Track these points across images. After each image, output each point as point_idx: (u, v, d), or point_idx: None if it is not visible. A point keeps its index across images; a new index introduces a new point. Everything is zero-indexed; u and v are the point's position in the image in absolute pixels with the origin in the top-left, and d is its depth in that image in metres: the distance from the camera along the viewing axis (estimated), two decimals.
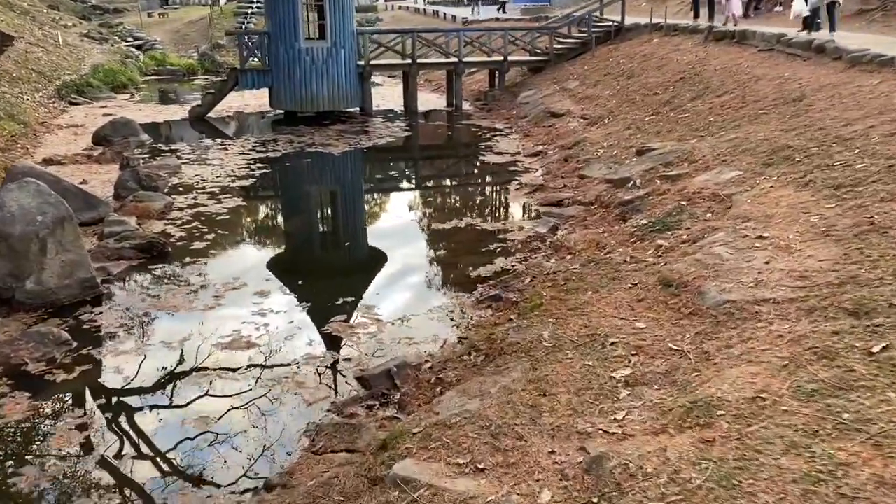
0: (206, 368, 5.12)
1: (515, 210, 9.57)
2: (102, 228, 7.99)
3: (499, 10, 34.15)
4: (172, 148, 13.65)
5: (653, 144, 9.71)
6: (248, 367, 5.13)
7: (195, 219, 9.03)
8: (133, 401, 4.82)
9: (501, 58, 18.61)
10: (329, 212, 10.28)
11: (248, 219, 9.25)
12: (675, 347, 4.07)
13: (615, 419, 3.46)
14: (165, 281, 6.91)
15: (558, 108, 14.78)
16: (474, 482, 3.18)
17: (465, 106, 18.94)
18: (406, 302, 6.42)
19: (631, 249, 6.32)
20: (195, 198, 9.96)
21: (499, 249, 7.83)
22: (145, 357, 5.35)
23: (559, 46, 19.11)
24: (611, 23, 18.82)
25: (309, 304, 6.32)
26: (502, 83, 19.03)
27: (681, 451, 2.87)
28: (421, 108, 18.58)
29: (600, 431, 3.37)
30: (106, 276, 6.95)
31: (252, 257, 7.73)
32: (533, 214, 9.22)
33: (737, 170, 7.37)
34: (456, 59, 18.28)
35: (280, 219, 9.44)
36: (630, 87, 13.78)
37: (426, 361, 4.98)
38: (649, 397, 3.58)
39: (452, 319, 5.96)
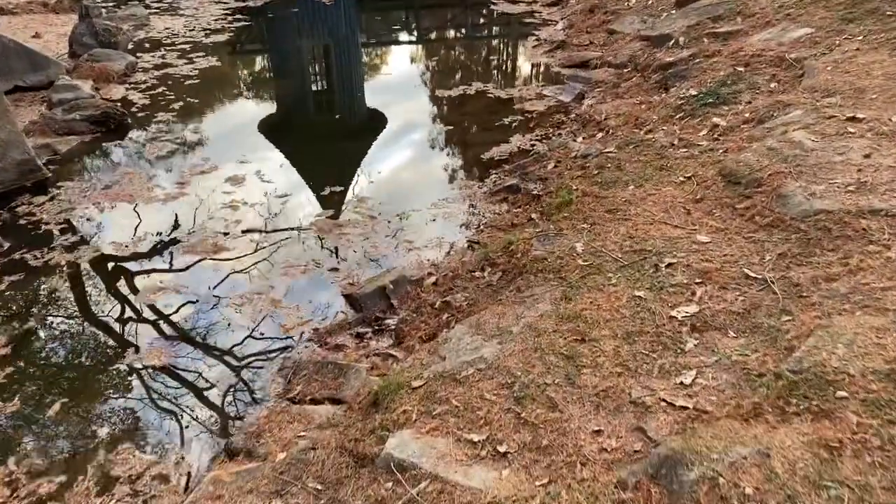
0: (160, 287, 4.22)
1: (533, 72, 8.27)
2: (51, 95, 6.81)
3: None
4: None
5: None
6: (212, 283, 4.22)
7: (162, 82, 7.79)
8: (63, 323, 3.96)
9: None
10: (315, 75, 8.95)
11: (223, 83, 7.99)
12: (752, 275, 3.13)
13: (682, 384, 2.58)
14: (122, 163, 5.86)
15: None
16: (493, 473, 2.37)
17: None
18: (405, 192, 5.41)
19: (678, 128, 5.20)
20: (163, 56, 8.63)
21: (515, 123, 6.68)
22: (87, 271, 4.43)
23: None
24: None
25: (289, 197, 5.32)
26: None
27: (792, 460, 2.01)
28: None
29: (663, 403, 2.50)
30: (52, 154, 5.90)
31: (225, 131, 6.60)
32: (554, 78, 7.94)
33: (806, 26, 6.04)
34: None
35: (259, 84, 8.14)
36: None
37: (429, 275, 4.07)
38: (726, 351, 2.69)
39: (460, 216, 4.98)
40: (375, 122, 7.35)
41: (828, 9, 6.23)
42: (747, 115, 4.95)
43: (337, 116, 8.09)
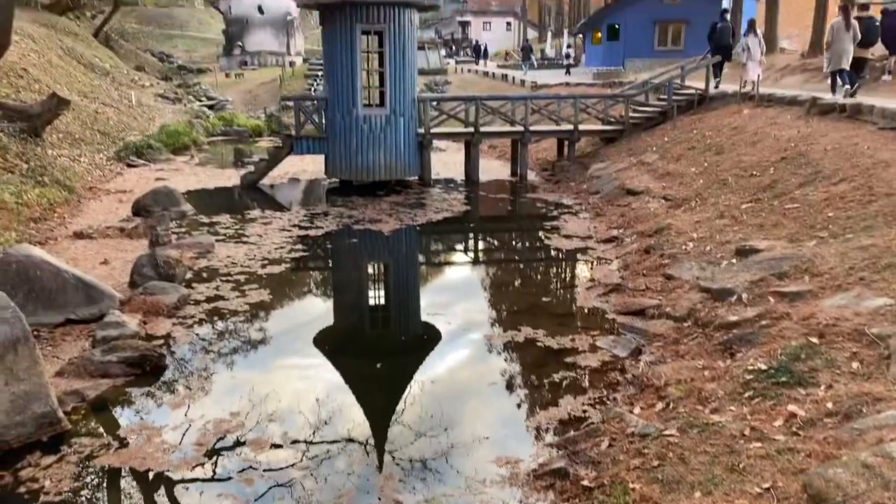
0: None
1: (586, 318, 7.94)
2: (97, 331, 6.83)
3: (566, 73, 33.20)
4: (213, 221, 12.71)
5: (756, 243, 7.98)
6: None
7: (209, 318, 7.80)
8: None
9: (571, 126, 17.25)
10: (359, 319, 8.84)
11: (267, 323, 7.92)
12: None
13: None
14: (144, 415, 5.58)
15: (635, 185, 13.20)
16: None
17: (531, 176, 17.61)
18: (439, 470, 4.86)
19: (749, 412, 4.61)
20: (217, 288, 8.77)
21: (566, 381, 6.21)
22: None
23: (635, 115, 17.64)
24: (693, 90, 17.26)
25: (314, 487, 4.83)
26: (572, 153, 17.62)
27: None
28: (483, 177, 17.35)
29: None
30: (79, 400, 5.70)
31: (259, 385, 6.29)
32: (608, 325, 7.58)
33: (885, 296, 5.59)
34: (522, 128, 17.03)
35: (303, 329, 8.01)
36: (720, 165, 12.08)
37: None
38: None
39: None
40: (428, 339, 7.52)
41: None
42: (829, 405, 4.35)
43: (391, 333, 8.29)
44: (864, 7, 13.76)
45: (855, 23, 12.62)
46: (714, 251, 8.55)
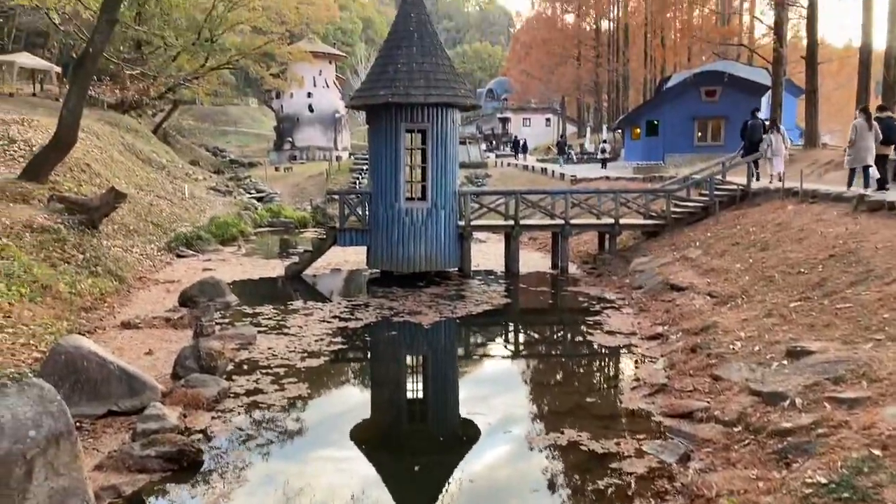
0: None
1: (631, 420, 7.66)
2: (138, 423, 6.85)
3: (602, 167, 33.68)
4: (256, 311, 12.90)
5: (808, 344, 7.71)
6: None
7: (248, 411, 7.78)
8: None
9: (612, 220, 17.31)
10: (396, 413, 8.72)
11: (305, 416, 7.86)
12: None
13: None
14: None
15: (679, 281, 13.02)
16: None
17: (572, 269, 17.55)
18: None
19: None
20: (257, 381, 8.79)
21: (611, 488, 5.93)
22: None
23: (677, 210, 17.65)
24: (735, 186, 17.27)
25: None
26: (613, 247, 17.59)
27: None
28: (523, 269, 17.38)
29: None
30: (115, 496, 5.65)
31: (295, 478, 6.18)
32: (654, 428, 7.29)
33: None
34: (562, 221, 17.15)
35: (340, 422, 7.89)
36: (766, 262, 11.88)
37: None
38: None
39: None
40: (466, 436, 7.41)
41: None
42: None
43: (429, 428, 8.18)
44: (883, 108, 15.43)
45: (875, 123, 13.87)
46: (763, 351, 8.27)
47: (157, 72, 38.52)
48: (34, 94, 34.40)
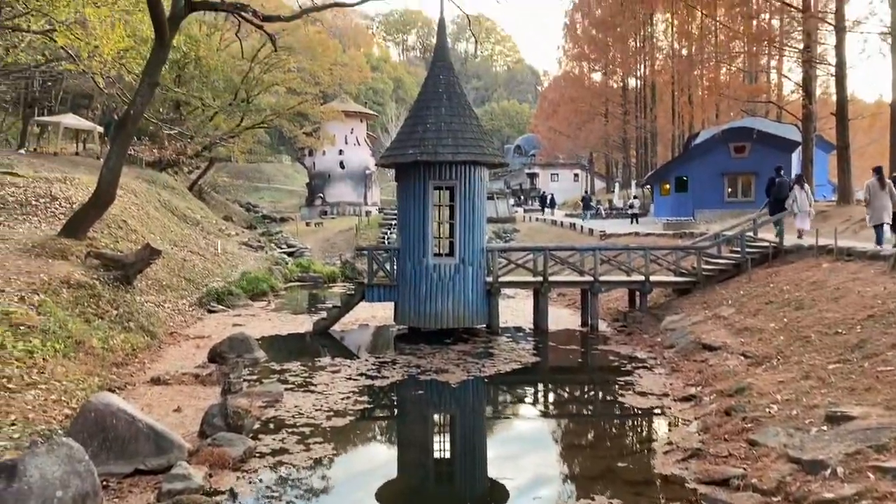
0: None
1: (665, 486, 7.41)
2: (163, 483, 6.83)
3: (632, 222, 33.58)
4: (284, 368, 12.91)
5: (848, 409, 7.45)
6: None
7: (273, 471, 7.71)
8: None
9: (642, 277, 17.15)
10: (422, 473, 8.55)
11: (330, 475, 7.77)
12: None
13: None
14: None
15: (711, 340, 12.75)
16: None
17: (602, 326, 17.33)
18: None
19: None
20: (283, 440, 8.73)
21: None
22: None
23: (708, 267, 17.43)
24: (767, 243, 17.04)
25: None
26: (644, 304, 17.37)
27: None
28: (552, 326, 17.21)
29: None
30: None
31: None
32: (689, 496, 7.03)
33: None
34: (591, 278, 17.03)
35: (365, 482, 7.73)
36: (801, 322, 11.59)
37: None
38: None
39: None
40: (493, 498, 7.31)
41: None
42: None
43: (455, 488, 8.02)
44: None
45: (889, 181, 14.49)
46: (801, 416, 8.00)
47: (195, 131, 39.83)
48: (77, 153, 35.70)
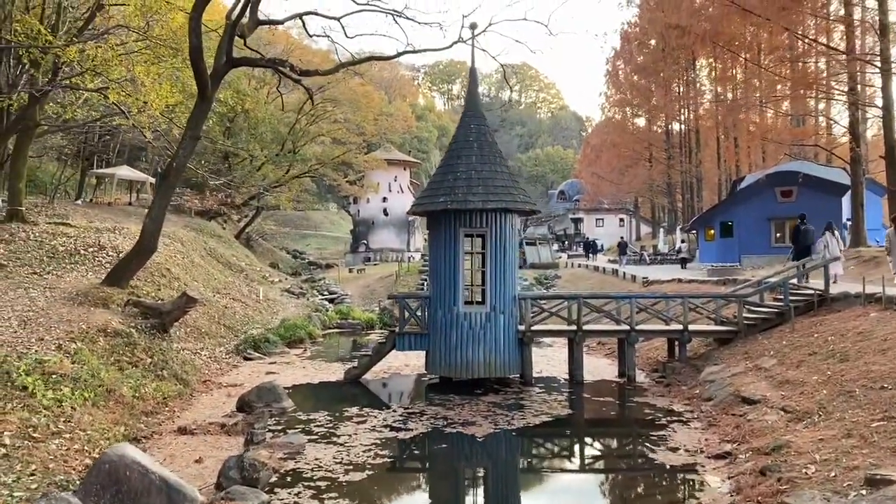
0: None
1: None
2: None
3: (682, 266, 32.89)
4: (310, 418, 12.83)
5: (890, 472, 6.95)
6: None
7: None
8: None
9: (681, 327, 16.63)
10: (470, 495, 8.32)
11: None
12: None
13: None
14: None
15: (751, 393, 12.19)
16: None
17: (640, 377, 16.78)
18: None
19: None
20: (297, 494, 8.60)
21: None
22: None
23: (750, 316, 16.80)
24: (812, 291, 16.36)
25: None
26: (683, 354, 16.79)
27: None
28: (588, 376, 16.75)
29: None
30: None
31: None
32: None
33: None
34: (627, 327, 16.59)
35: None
36: (845, 375, 10.99)
37: None
38: None
39: None
40: None
41: None
42: None
43: None
44: None
45: None
46: (840, 478, 7.51)
47: (242, 181, 41.00)
48: (130, 203, 37.10)
